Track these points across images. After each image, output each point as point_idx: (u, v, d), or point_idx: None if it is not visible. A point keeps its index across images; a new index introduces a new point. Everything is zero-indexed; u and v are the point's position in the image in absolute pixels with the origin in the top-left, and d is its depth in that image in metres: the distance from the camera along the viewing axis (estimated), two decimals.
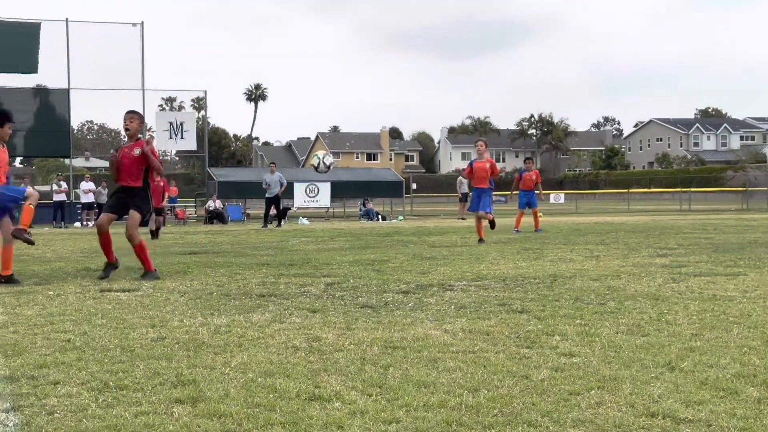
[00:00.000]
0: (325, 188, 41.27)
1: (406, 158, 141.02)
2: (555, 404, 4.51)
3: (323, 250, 16.91)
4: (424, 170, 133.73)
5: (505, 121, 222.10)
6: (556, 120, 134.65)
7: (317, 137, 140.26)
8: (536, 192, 23.90)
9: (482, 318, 7.41)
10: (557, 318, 7.37)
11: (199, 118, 68.04)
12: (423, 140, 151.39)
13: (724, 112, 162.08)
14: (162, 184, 23.15)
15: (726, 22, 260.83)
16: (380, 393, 4.79)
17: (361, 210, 41.28)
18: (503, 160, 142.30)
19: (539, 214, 24.19)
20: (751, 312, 7.57)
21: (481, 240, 18.08)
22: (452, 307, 8.17)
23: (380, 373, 5.26)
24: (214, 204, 38.50)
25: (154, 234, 22.72)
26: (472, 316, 7.52)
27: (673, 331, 6.65)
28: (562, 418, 4.27)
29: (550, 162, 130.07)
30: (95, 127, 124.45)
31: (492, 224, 18.83)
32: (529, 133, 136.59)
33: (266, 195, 31.75)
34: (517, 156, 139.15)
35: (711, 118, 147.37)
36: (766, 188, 61.86)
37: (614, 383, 4.95)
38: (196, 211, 43.47)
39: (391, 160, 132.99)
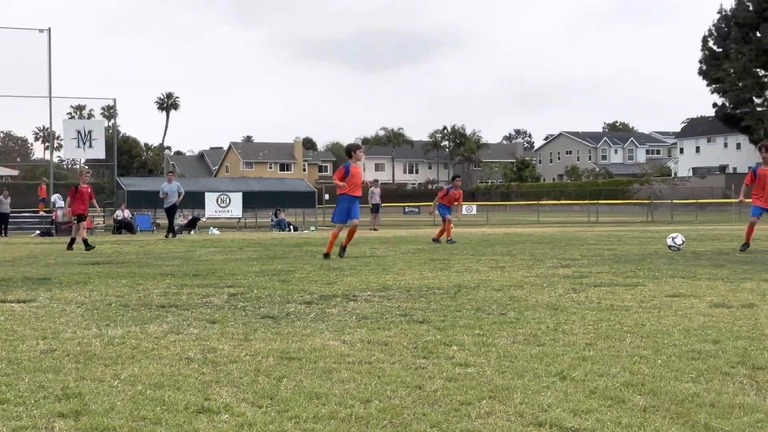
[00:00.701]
0: (237, 198, 40.97)
1: (320, 169, 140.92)
2: (445, 414, 4.51)
3: (230, 260, 16.74)
4: None
5: (418, 132, 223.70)
6: (468, 132, 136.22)
7: (230, 147, 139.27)
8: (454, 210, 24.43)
9: (382, 328, 7.40)
10: (456, 328, 7.40)
11: (108, 126, 67.02)
12: (337, 151, 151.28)
13: (631, 126, 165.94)
14: (89, 190, 22.47)
15: (634, 40, 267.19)
16: (271, 405, 4.73)
17: (272, 220, 41.04)
18: (416, 172, 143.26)
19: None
20: (645, 322, 7.71)
21: (343, 249, 17.08)
22: (354, 317, 8.15)
23: (273, 385, 5.20)
24: (123, 213, 37.87)
25: (70, 245, 21.77)
26: (372, 327, 7.50)
27: (568, 341, 6.72)
28: (452, 428, 4.27)
29: (462, 174, 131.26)
30: (1, 135, 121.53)
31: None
32: (442, 144, 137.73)
33: (164, 205, 31.25)
34: (430, 167, 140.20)
35: (618, 132, 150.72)
36: (670, 201, 63.37)
37: (506, 393, 4.98)
38: (104, 221, 42.70)
39: (304, 170, 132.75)
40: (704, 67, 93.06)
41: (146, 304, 9.27)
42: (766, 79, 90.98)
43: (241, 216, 42.69)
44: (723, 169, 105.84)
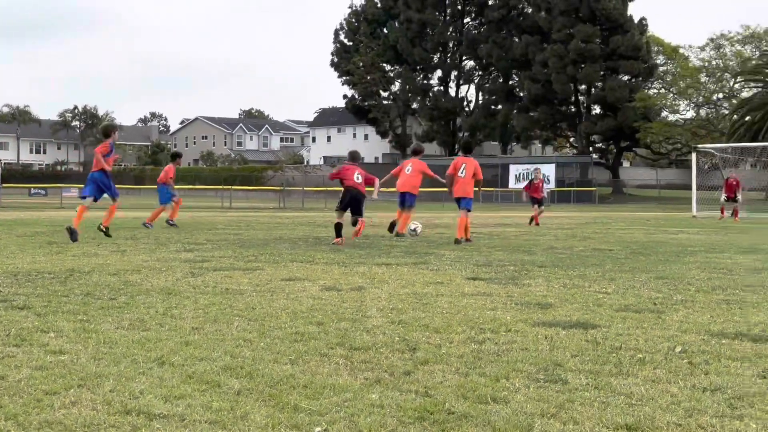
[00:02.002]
0: None
1: None
2: (25, 406, 4.21)
3: None
4: None
5: (47, 111, 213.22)
6: (101, 113, 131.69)
7: None
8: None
9: None
10: (59, 314, 7.01)
11: None
12: None
13: (266, 114, 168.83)
14: None
15: (271, 28, 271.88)
16: None
17: None
18: (44, 152, 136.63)
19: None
20: (256, 305, 7.74)
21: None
22: None
23: None
24: None
25: None
26: None
27: (175, 325, 6.58)
28: (29, 420, 3.99)
29: (90, 157, 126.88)
30: None
31: None
32: (72, 125, 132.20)
33: None
34: (59, 148, 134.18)
35: (254, 119, 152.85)
36: (301, 188, 65.18)
37: (97, 380, 4.74)
38: None
39: None
40: (336, 60, 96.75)
41: None
42: (392, 74, 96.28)
43: None
44: None
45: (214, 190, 69.37)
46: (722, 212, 31.96)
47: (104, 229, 16.62)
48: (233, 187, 66.52)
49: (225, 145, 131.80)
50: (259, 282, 9.61)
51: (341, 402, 4.46)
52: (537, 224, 25.42)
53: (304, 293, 8.67)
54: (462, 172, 17.44)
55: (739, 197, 31.84)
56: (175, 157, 23.20)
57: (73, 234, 15.51)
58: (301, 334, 6.30)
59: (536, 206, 26.26)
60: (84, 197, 16.36)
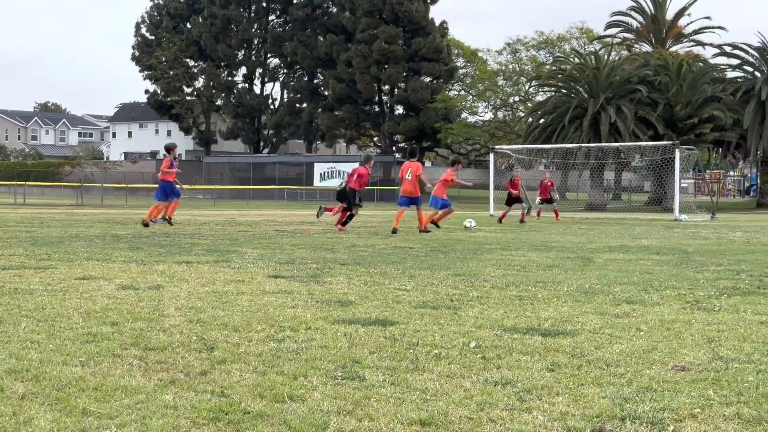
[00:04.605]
0: None
1: None
2: None
3: None
4: None
5: None
6: None
7: None
8: None
9: None
10: None
11: None
12: None
13: (63, 108, 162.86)
14: None
15: (69, 19, 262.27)
16: None
17: None
18: None
19: None
20: (47, 305, 7.42)
21: None
22: None
23: None
24: None
25: None
26: None
27: None
28: None
29: None
30: None
31: None
32: None
33: None
34: None
35: (51, 113, 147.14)
36: (101, 185, 63.23)
37: None
38: None
39: None
40: (137, 54, 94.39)
41: None
42: (196, 70, 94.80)
43: None
44: (154, 154, 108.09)
45: (7, 186, 66.29)
46: (539, 214, 32.71)
47: (168, 218, 21.76)
48: (27, 182, 63.75)
49: (19, 139, 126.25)
50: (51, 281, 9.22)
51: (133, 404, 4.31)
52: (523, 220, 25.83)
53: (98, 292, 8.38)
54: (409, 175, 20.59)
55: (555, 197, 32.94)
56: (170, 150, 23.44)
57: (146, 225, 20.78)
58: (94, 335, 6.07)
59: (522, 204, 26.10)
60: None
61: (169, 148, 22.47)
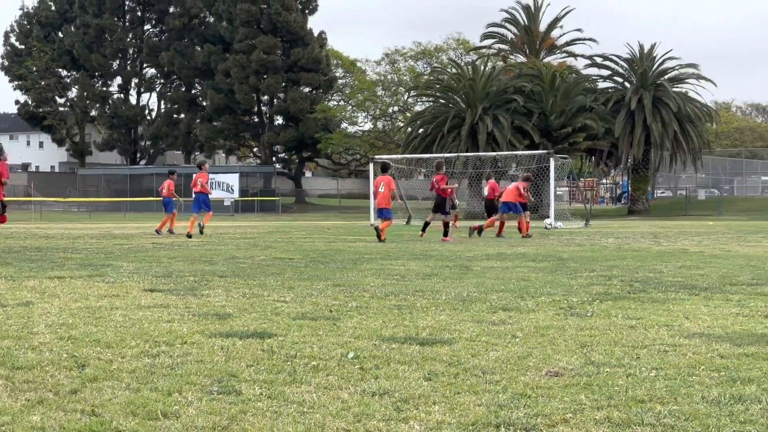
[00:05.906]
0: None
1: None
2: None
3: None
4: None
5: None
6: None
7: None
8: None
9: None
10: None
11: None
12: None
13: None
14: None
15: None
16: None
17: None
18: None
19: None
20: None
21: None
22: None
23: None
24: None
25: None
26: None
27: None
28: None
29: None
30: None
31: None
32: None
33: None
34: None
35: None
36: None
37: None
38: None
39: None
40: (6, 63, 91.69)
41: None
42: (69, 80, 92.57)
43: None
44: (26, 167, 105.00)
45: None
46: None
47: (201, 227, 23.94)
48: None
49: None
50: None
51: None
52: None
53: None
54: (382, 188, 21.97)
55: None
56: (171, 173, 28.86)
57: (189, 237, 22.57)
58: None
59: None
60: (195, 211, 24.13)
61: (201, 164, 25.37)
